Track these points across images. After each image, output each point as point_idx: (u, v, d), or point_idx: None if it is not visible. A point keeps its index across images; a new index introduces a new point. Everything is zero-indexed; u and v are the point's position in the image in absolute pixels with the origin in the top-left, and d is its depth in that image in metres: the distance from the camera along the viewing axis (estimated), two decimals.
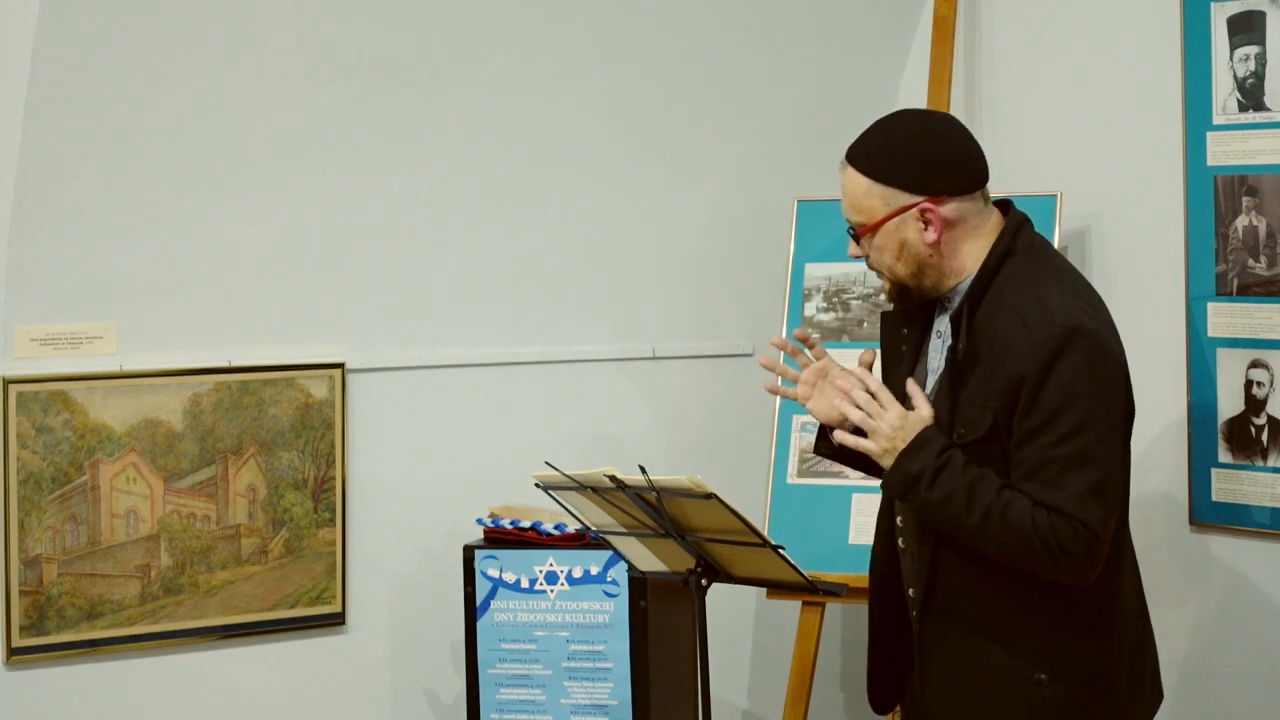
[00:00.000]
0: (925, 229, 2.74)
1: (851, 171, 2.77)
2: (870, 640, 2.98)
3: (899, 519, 2.84)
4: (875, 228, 2.75)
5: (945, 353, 2.79)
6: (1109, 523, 2.66)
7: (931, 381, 2.81)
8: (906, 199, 2.73)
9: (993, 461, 2.68)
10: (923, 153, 2.76)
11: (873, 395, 2.73)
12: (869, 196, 2.75)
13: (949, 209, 2.74)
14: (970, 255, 2.77)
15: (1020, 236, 2.77)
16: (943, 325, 2.82)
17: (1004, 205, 2.83)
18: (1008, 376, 2.65)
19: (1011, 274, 2.73)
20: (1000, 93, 4.17)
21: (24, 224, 3.35)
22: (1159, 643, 3.82)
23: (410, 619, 3.89)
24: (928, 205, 2.73)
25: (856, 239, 2.80)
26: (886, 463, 2.72)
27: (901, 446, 2.69)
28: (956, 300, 2.78)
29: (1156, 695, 2.89)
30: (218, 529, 3.63)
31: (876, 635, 2.96)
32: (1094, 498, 2.63)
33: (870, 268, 2.83)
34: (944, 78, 4.04)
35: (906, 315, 2.89)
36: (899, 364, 2.87)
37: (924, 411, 2.72)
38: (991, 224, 2.78)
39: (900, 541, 2.84)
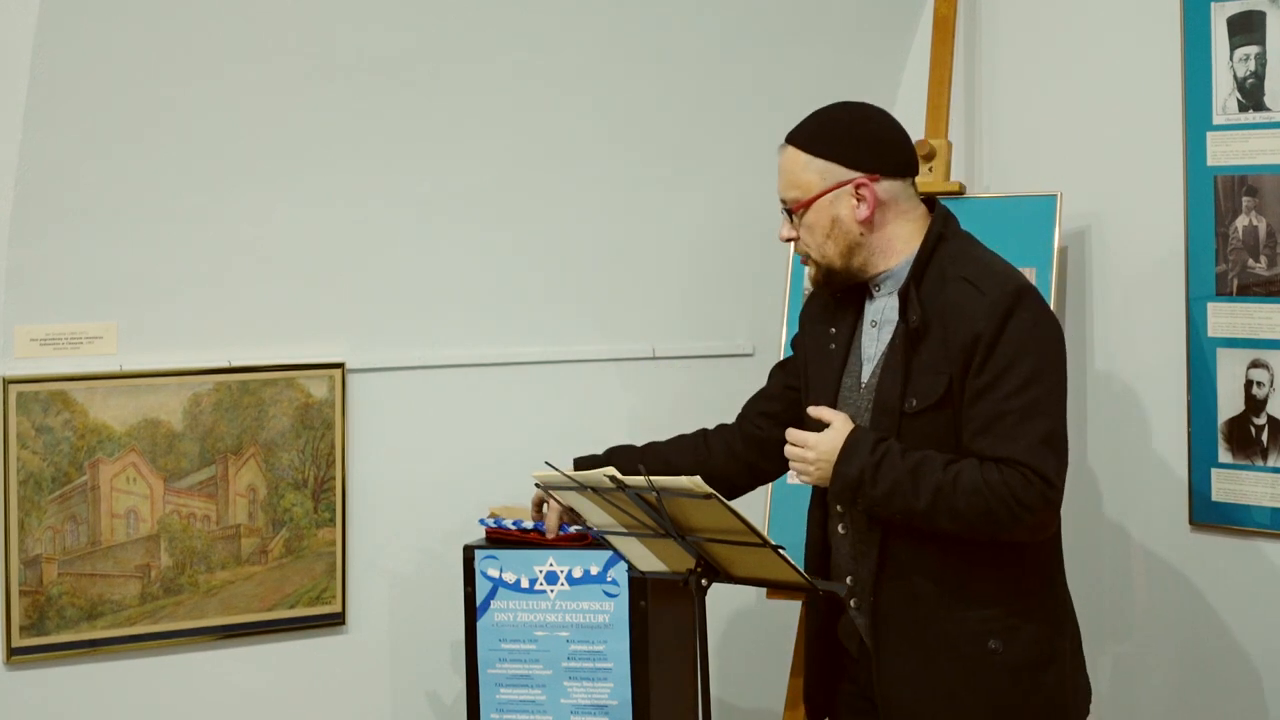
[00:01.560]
0: (858, 205, 2.84)
1: (790, 150, 2.89)
2: (807, 641, 3.03)
3: (839, 505, 2.91)
4: (810, 202, 2.85)
5: (886, 333, 2.86)
6: (1061, 472, 2.75)
7: (869, 369, 2.89)
8: (843, 174, 2.84)
9: (944, 428, 2.77)
10: (860, 133, 2.89)
11: (793, 443, 2.85)
12: (806, 171, 2.86)
13: (883, 188, 2.85)
14: (900, 239, 2.87)
15: (950, 224, 2.90)
16: (876, 314, 2.90)
17: (929, 201, 2.93)
18: (963, 338, 2.74)
19: (949, 253, 2.84)
20: (1000, 93, 4.17)
21: (24, 224, 3.35)
22: (1158, 640, 3.84)
23: (410, 619, 3.89)
24: (863, 180, 2.84)
25: (790, 216, 2.89)
26: (824, 480, 2.82)
27: (827, 461, 2.79)
28: (886, 286, 2.88)
29: (1089, 699, 2.96)
30: (218, 529, 3.63)
31: (811, 634, 3.01)
32: (1046, 447, 2.72)
33: (799, 252, 2.93)
34: (944, 78, 4.04)
35: (831, 315, 2.97)
36: (828, 362, 2.95)
37: (837, 423, 2.80)
38: (920, 213, 2.89)
39: (840, 528, 2.89)
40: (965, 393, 2.74)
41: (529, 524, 3.69)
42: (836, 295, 2.96)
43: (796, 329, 3.13)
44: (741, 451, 3.17)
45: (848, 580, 2.90)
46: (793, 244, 2.93)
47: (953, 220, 2.91)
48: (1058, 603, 2.89)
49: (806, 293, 3.99)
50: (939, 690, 2.80)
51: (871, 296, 2.92)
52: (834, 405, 2.91)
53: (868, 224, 2.84)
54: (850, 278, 2.89)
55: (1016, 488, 2.69)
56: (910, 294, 2.80)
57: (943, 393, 2.76)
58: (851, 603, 2.89)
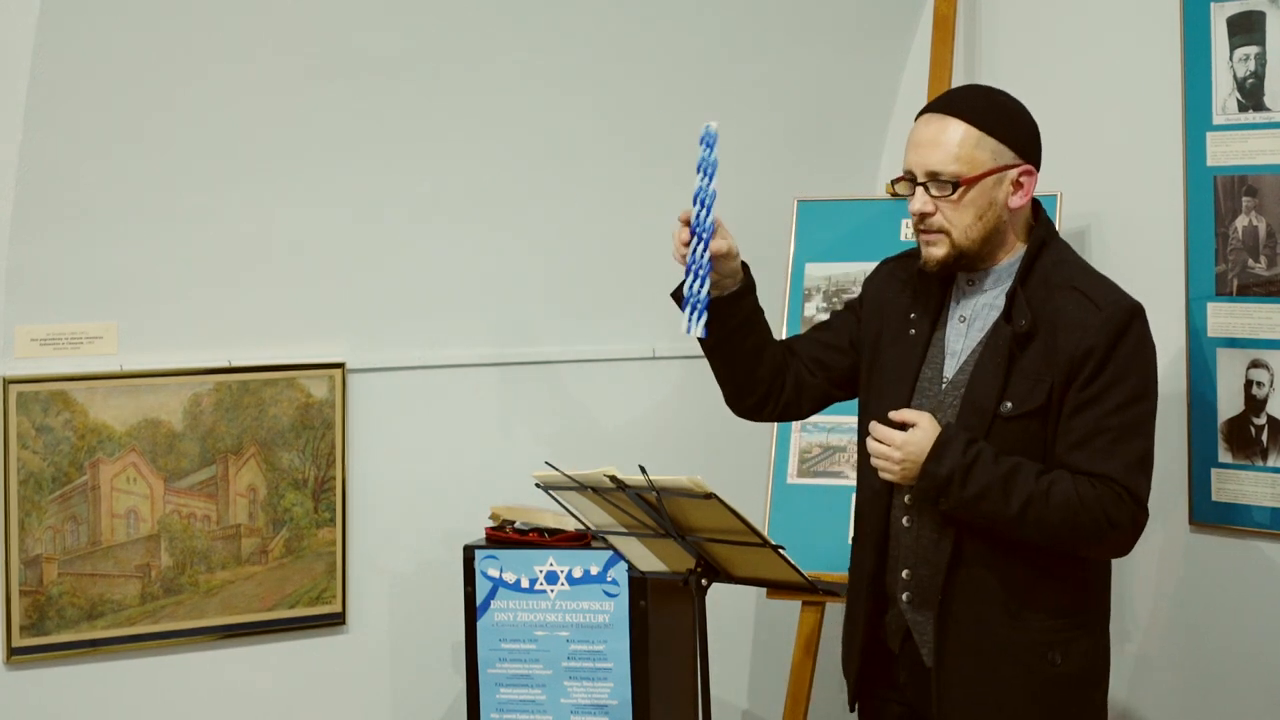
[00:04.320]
0: (1014, 192, 2.81)
1: (955, 123, 2.79)
2: (851, 629, 2.99)
3: (907, 496, 2.86)
4: (977, 180, 2.78)
5: (977, 331, 2.82)
6: (1148, 495, 2.74)
7: (953, 364, 2.85)
8: (1012, 158, 2.80)
9: (1034, 435, 2.75)
10: (1027, 121, 2.85)
11: (879, 440, 2.77)
12: (979, 149, 2.78)
13: (1034, 181, 2.84)
14: (1015, 234, 2.85)
15: (1051, 228, 2.88)
16: (969, 310, 2.86)
17: None
18: (1072, 349, 2.72)
19: (1052, 259, 2.82)
20: None
21: (24, 224, 3.35)
22: (1158, 640, 3.84)
23: (410, 619, 3.89)
24: (1029, 169, 2.82)
25: (927, 188, 2.78)
26: (909, 478, 2.76)
27: (915, 461, 2.72)
28: (986, 282, 2.84)
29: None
30: (218, 529, 3.63)
31: (858, 622, 2.97)
32: (1140, 469, 2.72)
33: (929, 226, 2.81)
34: (944, 78, 4.04)
35: (910, 299, 2.92)
36: (906, 348, 2.89)
37: (923, 423, 2.74)
38: (1029, 212, 2.88)
39: (905, 520, 2.86)
40: (1066, 404, 2.73)
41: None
42: (926, 281, 2.90)
43: (861, 293, 3.06)
44: (806, 382, 3.07)
45: (903, 574, 2.85)
46: (919, 219, 2.81)
47: (1053, 224, 2.90)
48: (1108, 615, 2.91)
49: (817, 291, 4.00)
50: (997, 695, 2.79)
51: (964, 290, 2.88)
52: (911, 394, 2.86)
53: (1016, 212, 2.82)
54: (972, 263, 2.83)
55: (1109, 505, 2.69)
56: (1018, 296, 2.77)
57: (1044, 400, 2.73)
58: (904, 596, 2.86)
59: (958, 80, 4.14)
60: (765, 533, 2.73)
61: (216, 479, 3.63)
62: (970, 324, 2.85)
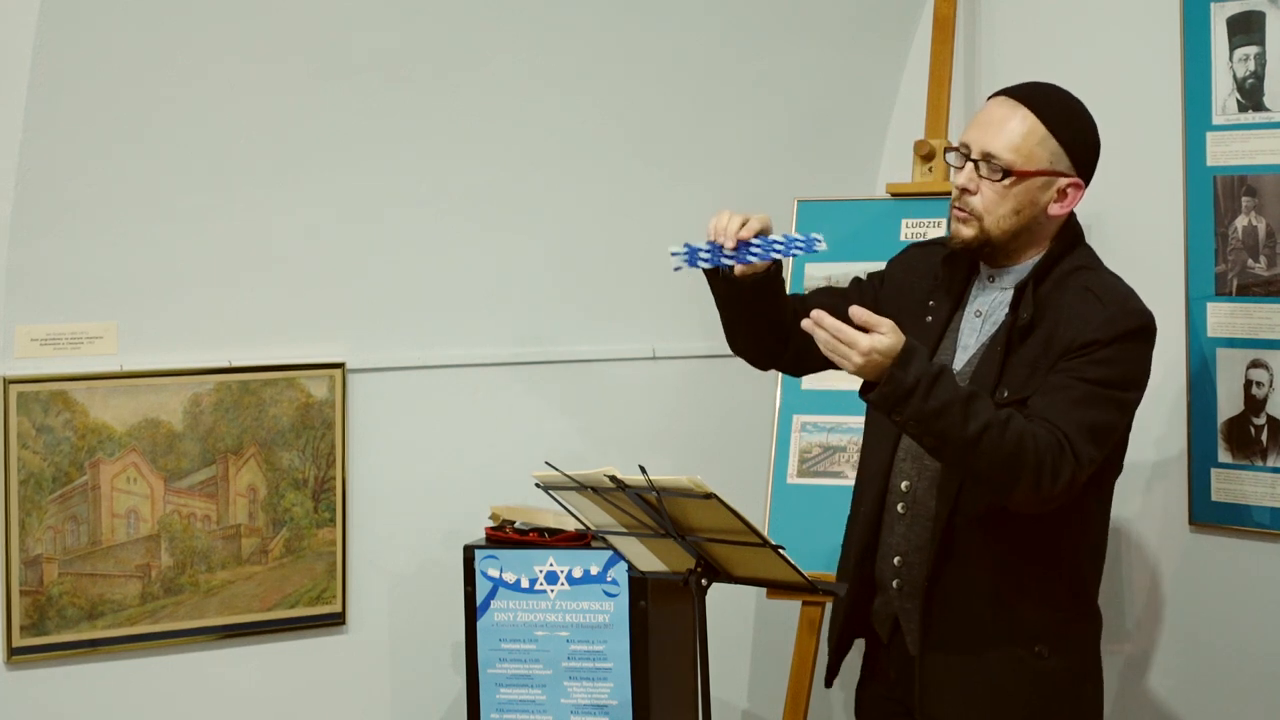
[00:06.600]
0: (1057, 201, 2.79)
1: (1026, 113, 2.77)
2: (834, 621, 3.00)
3: (904, 484, 2.85)
4: (1029, 175, 2.76)
5: (990, 327, 2.81)
6: (1093, 465, 2.69)
7: (963, 356, 2.84)
8: (1067, 166, 2.79)
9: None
10: (1094, 135, 2.83)
11: (831, 333, 2.59)
12: (1040, 145, 2.76)
13: (1079, 196, 2.81)
14: (1045, 238, 2.83)
15: (1080, 234, 2.87)
16: (985, 305, 2.85)
17: None
18: (1070, 340, 2.70)
19: (1077, 263, 2.80)
20: None
21: (24, 224, 3.35)
22: (1158, 640, 3.84)
23: (410, 619, 3.89)
24: (1079, 183, 2.80)
25: (978, 166, 2.76)
26: (866, 374, 2.60)
27: (876, 363, 2.57)
28: (1005, 280, 2.83)
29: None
30: (218, 529, 3.63)
31: (840, 615, 2.97)
32: (1091, 435, 2.66)
33: (962, 205, 2.80)
34: (944, 78, 4.04)
35: (932, 285, 2.90)
36: (920, 334, 2.86)
37: (885, 328, 2.58)
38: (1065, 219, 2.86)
39: (900, 506, 2.86)
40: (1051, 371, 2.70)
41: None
42: (950, 271, 2.88)
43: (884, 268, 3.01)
44: (808, 345, 2.88)
45: (894, 561, 2.86)
46: (959, 194, 2.79)
47: (1081, 232, 2.88)
48: (1096, 609, 2.90)
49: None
50: (980, 686, 2.79)
51: (984, 286, 2.87)
52: None
53: (1052, 220, 2.80)
54: (995, 255, 2.82)
55: (1055, 456, 2.61)
56: (1027, 292, 2.77)
57: (1036, 389, 2.71)
58: (894, 584, 2.86)
59: (958, 80, 4.15)
60: (765, 533, 2.72)
61: (216, 479, 3.63)
62: (985, 319, 2.85)
